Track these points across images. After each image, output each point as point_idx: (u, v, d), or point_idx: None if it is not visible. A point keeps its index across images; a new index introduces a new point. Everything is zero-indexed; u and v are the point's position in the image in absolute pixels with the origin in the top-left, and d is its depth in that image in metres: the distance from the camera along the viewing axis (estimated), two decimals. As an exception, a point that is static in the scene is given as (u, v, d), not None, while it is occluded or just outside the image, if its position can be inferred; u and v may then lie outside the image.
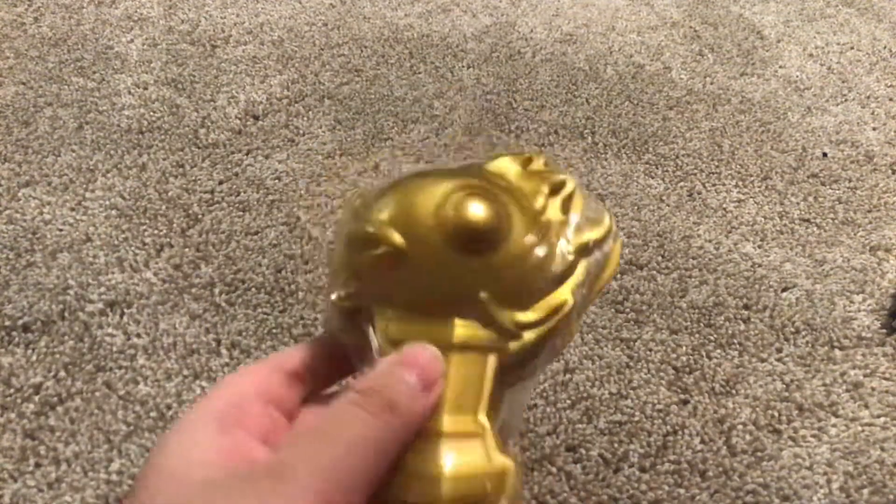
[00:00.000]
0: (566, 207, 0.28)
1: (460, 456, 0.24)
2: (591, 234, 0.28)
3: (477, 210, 0.25)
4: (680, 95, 1.00)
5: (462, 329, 0.25)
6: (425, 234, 0.25)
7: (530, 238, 0.26)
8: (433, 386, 0.24)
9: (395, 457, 0.23)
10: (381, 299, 0.26)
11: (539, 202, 0.27)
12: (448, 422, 0.24)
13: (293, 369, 0.27)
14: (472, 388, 0.24)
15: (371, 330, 0.26)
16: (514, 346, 0.25)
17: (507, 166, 0.28)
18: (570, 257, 0.26)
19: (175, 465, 0.23)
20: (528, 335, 0.25)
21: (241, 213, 0.78)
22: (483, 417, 0.24)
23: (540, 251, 0.26)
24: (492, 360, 0.25)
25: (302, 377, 0.27)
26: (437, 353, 0.25)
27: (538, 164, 0.29)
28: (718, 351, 0.70)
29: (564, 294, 0.26)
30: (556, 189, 0.28)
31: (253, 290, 0.71)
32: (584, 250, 0.27)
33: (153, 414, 0.61)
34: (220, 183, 0.81)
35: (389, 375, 0.24)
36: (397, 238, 0.25)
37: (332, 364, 0.28)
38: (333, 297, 0.27)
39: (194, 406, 0.25)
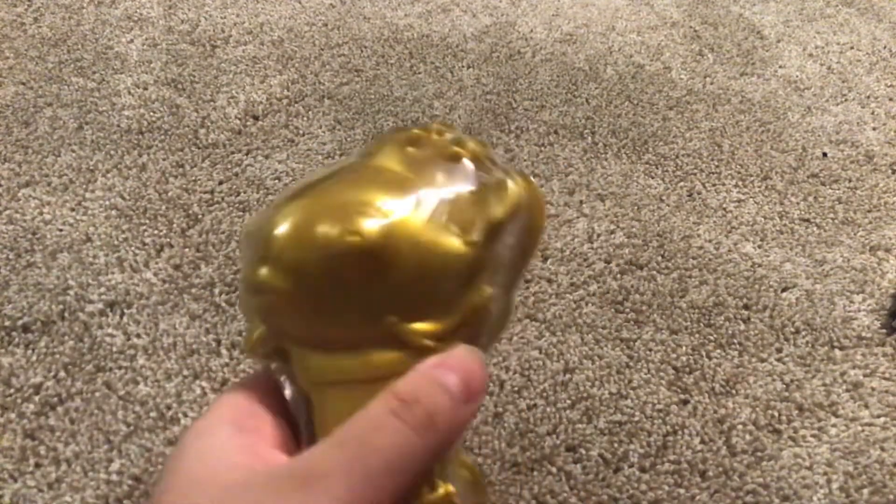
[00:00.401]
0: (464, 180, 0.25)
1: None
2: (497, 211, 0.25)
3: (358, 235, 0.22)
4: (680, 95, 1.00)
5: (377, 358, 0.23)
6: (311, 268, 0.23)
7: (426, 243, 0.23)
8: (477, 397, 0.23)
9: (428, 470, 0.23)
10: (294, 340, 0.24)
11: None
12: None
13: None
14: None
15: (283, 379, 0.25)
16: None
17: (390, 157, 0.25)
18: (476, 250, 0.24)
19: (197, 469, 0.22)
20: (445, 347, 0.23)
21: (241, 214, 0.78)
22: None
23: (440, 256, 0.23)
24: None
25: None
26: (482, 358, 0.23)
27: (423, 134, 0.26)
28: (718, 351, 0.70)
29: (482, 288, 0.24)
30: (453, 159, 0.25)
31: (253, 290, 0.71)
32: (492, 233, 0.24)
33: (153, 414, 0.61)
34: (220, 183, 0.81)
35: (432, 383, 0.23)
36: (281, 282, 0.23)
37: None
38: (246, 344, 0.25)
39: (209, 411, 0.24)
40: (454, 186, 0.25)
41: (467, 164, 0.26)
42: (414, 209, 0.23)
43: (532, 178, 0.28)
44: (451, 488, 0.23)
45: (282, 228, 0.23)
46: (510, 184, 0.27)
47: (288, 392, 0.25)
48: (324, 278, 0.23)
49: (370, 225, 0.22)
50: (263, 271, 0.23)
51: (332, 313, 0.23)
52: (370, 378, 0.23)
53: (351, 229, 0.22)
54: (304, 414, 0.25)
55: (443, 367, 0.23)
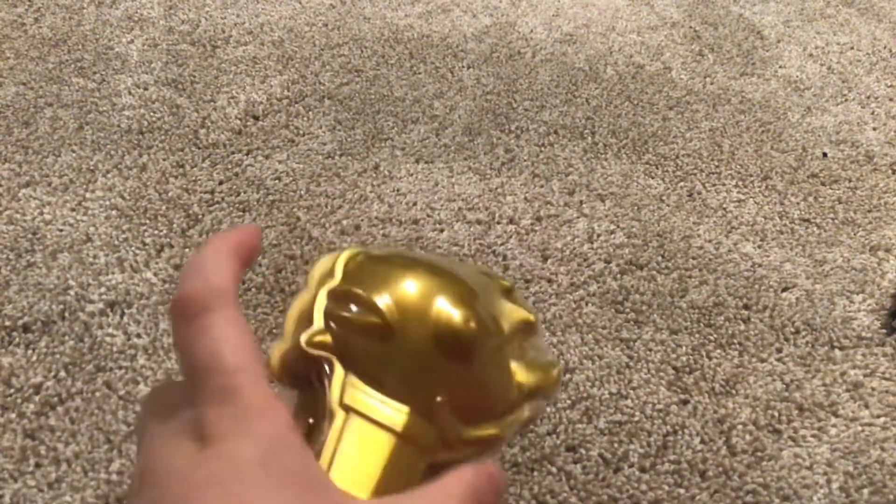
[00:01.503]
0: (527, 345, 0.29)
1: None
2: (542, 380, 0.29)
3: (469, 320, 0.26)
4: (680, 95, 1.00)
5: (411, 420, 0.25)
6: (416, 323, 0.25)
7: (499, 364, 0.27)
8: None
9: None
10: (349, 362, 0.26)
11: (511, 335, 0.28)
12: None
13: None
14: (402, 478, 0.25)
15: (326, 383, 0.26)
16: (443, 456, 0.25)
17: (494, 294, 0.29)
18: (521, 396, 0.27)
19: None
20: (461, 450, 0.26)
21: (241, 214, 0.78)
22: None
23: (501, 380, 0.27)
24: (423, 462, 0.25)
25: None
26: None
27: (518, 295, 0.30)
28: (718, 351, 0.70)
29: (503, 429, 0.27)
30: (528, 328, 0.29)
31: (253, 290, 0.71)
32: (533, 393, 0.28)
33: (153, 414, 0.61)
34: (221, 183, 0.81)
35: (489, 491, 0.24)
36: (393, 315, 0.25)
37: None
38: (304, 337, 0.26)
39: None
40: (532, 339, 0.30)
41: (535, 324, 0.30)
42: (502, 338, 0.27)
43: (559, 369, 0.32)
44: None
45: (410, 277, 0.27)
46: (555, 370, 0.31)
47: (317, 403, 0.26)
48: (422, 336, 0.26)
49: (480, 321, 0.26)
50: (379, 298, 0.26)
51: (406, 366, 0.26)
52: (396, 432, 0.25)
53: (467, 315, 0.26)
54: (323, 427, 0.26)
55: (493, 479, 0.25)
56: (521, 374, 0.28)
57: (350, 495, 0.23)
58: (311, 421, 0.26)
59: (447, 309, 0.26)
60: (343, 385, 0.25)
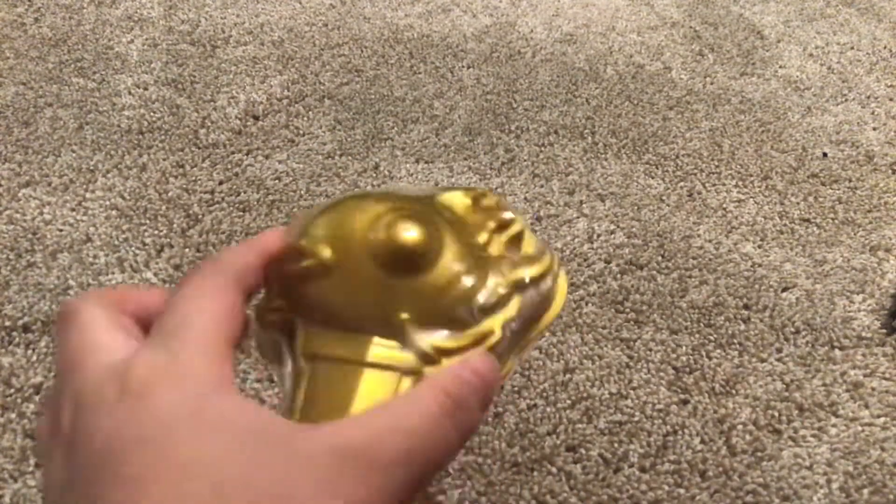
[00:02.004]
0: (510, 245, 0.28)
1: None
2: (529, 271, 0.28)
3: (406, 232, 0.25)
4: (680, 95, 1.00)
5: (379, 348, 0.24)
6: (354, 250, 0.25)
7: (459, 266, 0.26)
8: (489, 404, 0.24)
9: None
10: (305, 314, 0.26)
11: (482, 237, 0.28)
12: None
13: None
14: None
15: (286, 350, 0.26)
16: (429, 371, 0.24)
17: (456, 199, 0.28)
18: (502, 290, 0.27)
19: (215, 437, 0.20)
20: (447, 362, 0.25)
21: (241, 214, 0.78)
22: None
23: (468, 280, 0.26)
24: (405, 383, 0.24)
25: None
26: (498, 368, 0.25)
27: (490, 201, 0.29)
28: (718, 351, 0.70)
29: (492, 325, 0.26)
30: (502, 226, 0.29)
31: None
32: (518, 286, 0.27)
33: (153, 414, 0.61)
34: (221, 183, 0.81)
35: (470, 389, 0.23)
36: (325, 252, 0.25)
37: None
38: (253, 307, 0.26)
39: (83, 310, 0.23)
40: (501, 239, 0.29)
41: (517, 226, 0.30)
42: (460, 241, 0.27)
43: (564, 274, 0.31)
44: None
45: (345, 211, 0.26)
46: (547, 256, 0.30)
47: (288, 368, 0.26)
48: (364, 262, 0.25)
49: (419, 231, 0.25)
50: (312, 240, 0.25)
51: (358, 295, 0.25)
52: (360, 362, 0.24)
53: (403, 227, 0.25)
54: (292, 385, 0.26)
55: (478, 374, 0.24)
56: (501, 268, 0.27)
57: (297, 426, 0.21)
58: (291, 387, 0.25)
59: (382, 228, 0.25)
60: (305, 337, 0.25)
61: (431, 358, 0.25)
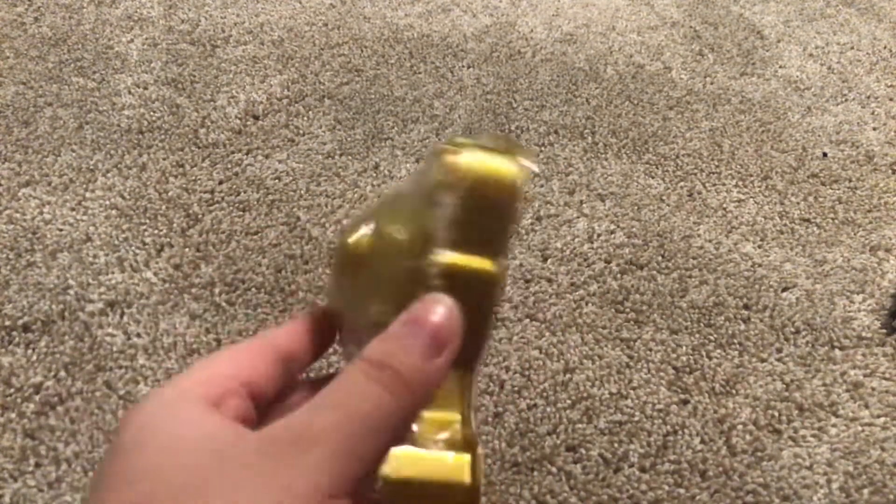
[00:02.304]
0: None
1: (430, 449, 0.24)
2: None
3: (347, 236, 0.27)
4: (680, 95, 1.00)
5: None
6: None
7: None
8: (447, 347, 0.24)
9: (406, 428, 0.23)
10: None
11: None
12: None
13: (286, 349, 0.27)
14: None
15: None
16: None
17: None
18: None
19: (169, 442, 0.22)
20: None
21: (241, 213, 0.78)
22: (458, 411, 0.25)
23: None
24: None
25: (292, 356, 0.27)
26: (451, 303, 0.24)
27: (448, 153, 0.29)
28: (718, 351, 0.70)
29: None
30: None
31: (253, 290, 0.71)
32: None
33: (153, 414, 0.61)
34: (220, 183, 0.81)
35: (400, 345, 0.24)
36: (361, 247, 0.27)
37: (321, 338, 0.28)
38: (352, 239, 0.27)
39: (171, 384, 0.24)
40: None
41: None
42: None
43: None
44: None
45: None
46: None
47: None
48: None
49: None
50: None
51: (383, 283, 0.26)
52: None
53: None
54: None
55: (410, 323, 0.24)
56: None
57: (243, 434, 0.22)
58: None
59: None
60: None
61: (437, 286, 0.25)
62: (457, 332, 0.24)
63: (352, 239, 0.27)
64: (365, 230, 0.28)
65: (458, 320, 0.24)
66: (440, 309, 0.24)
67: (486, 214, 0.26)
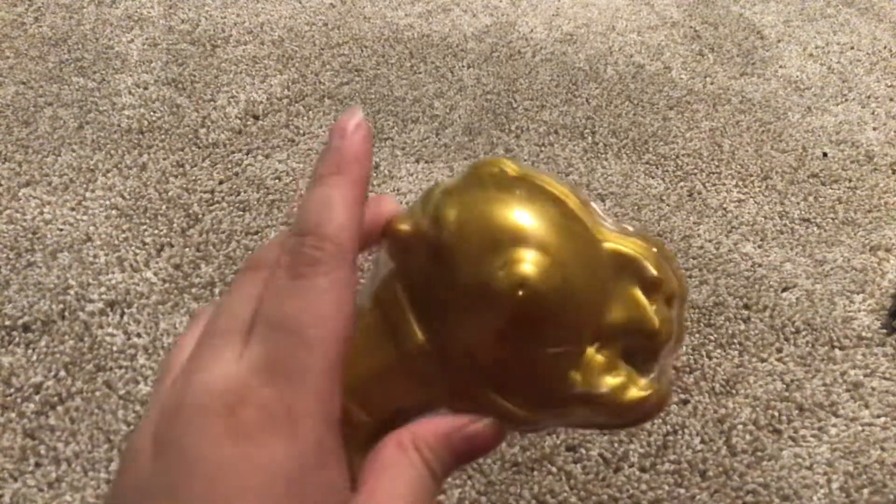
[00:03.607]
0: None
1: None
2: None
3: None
4: (680, 95, 1.00)
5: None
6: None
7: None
8: (477, 457, 0.23)
9: None
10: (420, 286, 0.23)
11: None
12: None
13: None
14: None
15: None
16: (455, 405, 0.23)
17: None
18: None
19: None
20: (477, 406, 0.24)
21: (241, 213, 0.78)
22: None
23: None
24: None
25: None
26: (503, 436, 0.23)
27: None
28: (718, 351, 0.70)
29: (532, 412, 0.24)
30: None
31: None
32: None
33: (153, 414, 0.61)
34: (221, 183, 0.81)
35: (454, 456, 0.22)
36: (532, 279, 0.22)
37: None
38: (406, 223, 0.23)
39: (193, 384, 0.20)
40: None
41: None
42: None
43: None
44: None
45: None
46: (661, 394, 0.25)
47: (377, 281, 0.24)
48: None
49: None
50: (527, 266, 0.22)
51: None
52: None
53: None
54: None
55: (466, 440, 0.22)
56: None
57: None
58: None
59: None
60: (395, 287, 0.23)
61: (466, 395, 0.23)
62: (489, 450, 0.23)
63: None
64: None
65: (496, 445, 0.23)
66: (497, 438, 0.23)
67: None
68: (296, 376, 0.19)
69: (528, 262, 0.21)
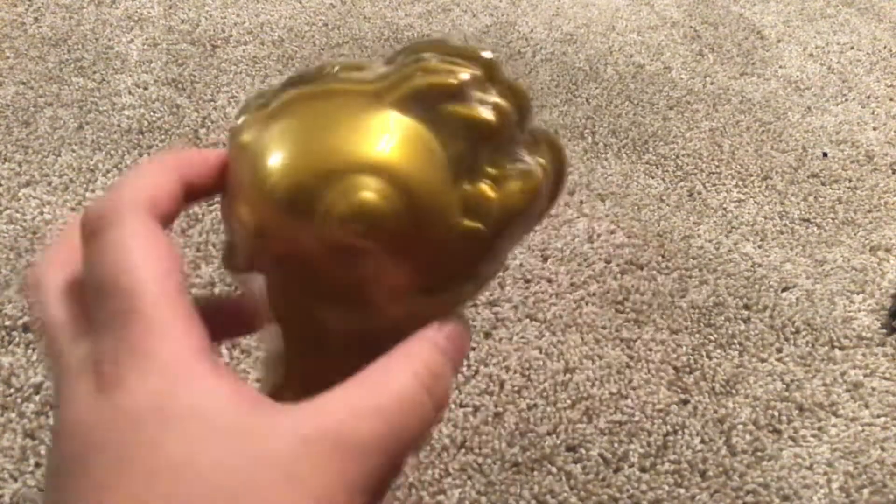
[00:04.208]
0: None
1: None
2: (514, 201, 0.25)
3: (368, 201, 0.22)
4: (680, 95, 1.00)
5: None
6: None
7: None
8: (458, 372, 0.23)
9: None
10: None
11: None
12: None
13: (191, 175, 0.23)
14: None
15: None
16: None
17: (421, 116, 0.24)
18: (486, 239, 0.24)
19: (188, 432, 0.19)
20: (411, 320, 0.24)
21: (241, 213, 0.78)
22: None
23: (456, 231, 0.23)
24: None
25: (194, 184, 0.23)
26: (470, 336, 0.23)
27: (474, 91, 0.25)
28: (718, 351, 0.70)
29: (479, 272, 0.25)
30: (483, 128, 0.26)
31: (253, 290, 0.71)
32: (505, 223, 0.25)
33: (153, 414, 0.61)
34: (221, 183, 0.81)
35: (447, 362, 0.22)
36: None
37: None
38: (230, 254, 0.24)
39: (130, 301, 0.20)
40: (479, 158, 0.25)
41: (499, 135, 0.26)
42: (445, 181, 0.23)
43: (559, 146, 0.27)
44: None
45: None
46: (535, 172, 0.26)
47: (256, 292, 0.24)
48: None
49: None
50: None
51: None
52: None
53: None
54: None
55: (451, 340, 0.22)
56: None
57: (267, 413, 0.19)
58: None
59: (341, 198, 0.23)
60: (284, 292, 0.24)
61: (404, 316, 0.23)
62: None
63: None
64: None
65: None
66: (466, 332, 0.23)
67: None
68: (131, 323, 0.19)
69: (362, 189, 0.22)
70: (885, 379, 0.69)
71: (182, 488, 0.18)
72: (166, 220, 0.22)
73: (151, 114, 0.88)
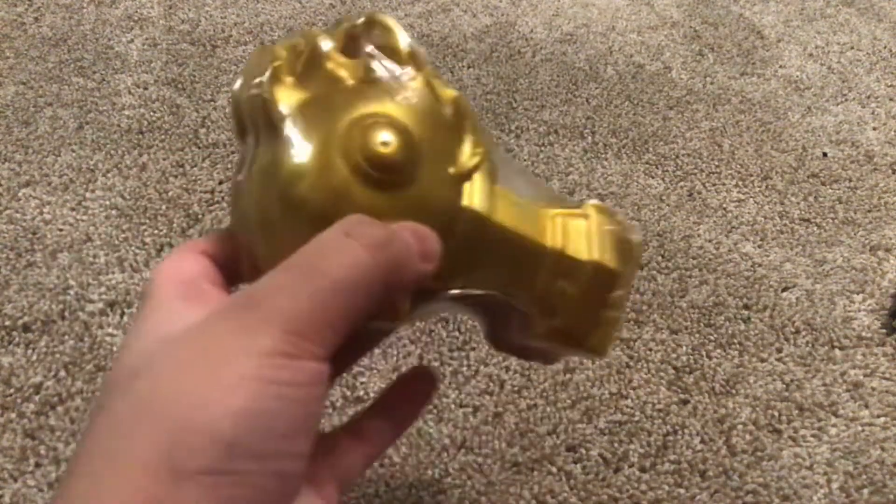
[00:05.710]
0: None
1: None
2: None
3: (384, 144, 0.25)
4: (680, 95, 1.00)
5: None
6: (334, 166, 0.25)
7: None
8: (430, 258, 0.24)
9: (381, 300, 0.22)
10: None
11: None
12: None
13: (215, 254, 0.27)
14: None
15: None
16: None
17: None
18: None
19: (150, 334, 0.22)
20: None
21: (241, 213, 0.78)
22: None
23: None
24: None
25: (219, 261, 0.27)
26: (435, 236, 0.25)
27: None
28: (718, 351, 0.70)
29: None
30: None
31: (253, 289, 0.71)
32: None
33: (153, 414, 0.61)
34: (221, 183, 0.81)
35: (387, 226, 0.23)
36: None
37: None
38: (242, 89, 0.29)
39: (148, 294, 0.25)
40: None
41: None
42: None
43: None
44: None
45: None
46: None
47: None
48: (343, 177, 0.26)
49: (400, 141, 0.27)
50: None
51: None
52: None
53: (380, 136, 0.26)
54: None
55: (411, 228, 0.24)
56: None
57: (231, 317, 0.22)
58: None
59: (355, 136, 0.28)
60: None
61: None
62: (437, 256, 0.24)
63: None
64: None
65: (439, 250, 0.25)
66: (430, 232, 0.25)
67: None
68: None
69: (384, 132, 0.25)
70: (885, 379, 0.69)
71: (148, 409, 0.21)
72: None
73: (151, 114, 0.88)
